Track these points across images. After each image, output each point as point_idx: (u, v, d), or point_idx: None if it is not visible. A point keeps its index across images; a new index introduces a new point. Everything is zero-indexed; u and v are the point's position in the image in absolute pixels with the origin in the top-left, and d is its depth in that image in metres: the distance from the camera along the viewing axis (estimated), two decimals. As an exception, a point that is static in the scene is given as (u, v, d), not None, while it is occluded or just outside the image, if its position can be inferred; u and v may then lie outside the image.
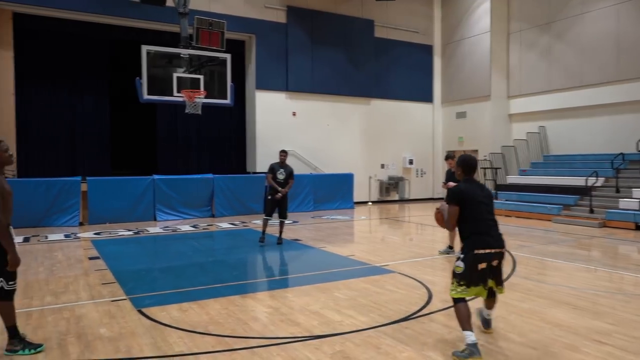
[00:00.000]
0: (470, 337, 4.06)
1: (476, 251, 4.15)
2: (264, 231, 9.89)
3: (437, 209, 4.63)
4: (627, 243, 10.44)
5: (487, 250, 4.16)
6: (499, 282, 4.38)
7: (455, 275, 4.23)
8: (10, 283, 4.31)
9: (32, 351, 4.29)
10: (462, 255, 4.22)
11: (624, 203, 12.73)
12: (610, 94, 15.59)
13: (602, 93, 15.84)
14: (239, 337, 4.65)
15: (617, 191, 13.55)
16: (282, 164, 9.81)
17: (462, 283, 4.17)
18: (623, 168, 14.14)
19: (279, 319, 5.16)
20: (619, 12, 15.28)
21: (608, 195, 13.66)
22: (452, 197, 4.33)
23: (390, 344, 4.44)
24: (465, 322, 4.12)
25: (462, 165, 4.48)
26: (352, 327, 4.91)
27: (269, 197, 9.76)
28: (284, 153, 9.92)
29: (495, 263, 4.24)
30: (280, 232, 10.04)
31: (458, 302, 4.21)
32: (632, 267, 8.00)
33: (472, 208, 4.24)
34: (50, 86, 16.06)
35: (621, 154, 14.45)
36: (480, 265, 4.16)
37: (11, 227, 4.34)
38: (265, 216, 9.87)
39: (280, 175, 9.68)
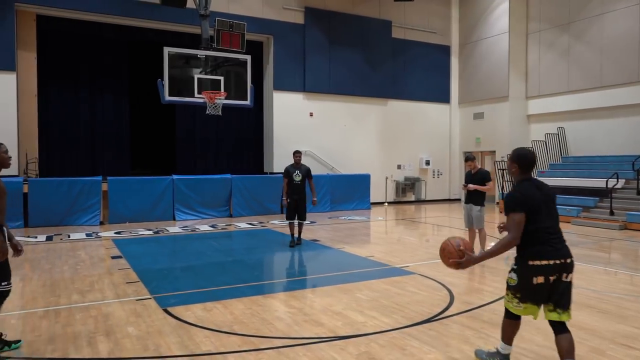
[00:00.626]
0: (507, 349, 3.88)
1: (530, 262, 3.56)
2: (292, 234, 9.86)
3: (453, 247, 3.81)
4: (649, 246, 10.33)
5: (544, 262, 3.52)
6: (562, 304, 3.57)
7: (509, 287, 3.73)
8: (4, 284, 4.23)
9: (13, 346, 4.36)
10: (515, 267, 3.69)
11: (645, 205, 12.59)
12: (631, 94, 15.41)
13: (622, 94, 15.67)
14: (264, 337, 4.71)
15: (638, 193, 13.38)
16: (296, 165, 9.63)
17: (517, 295, 3.66)
18: (644, 170, 13.96)
19: (302, 319, 5.22)
20: (641, 11, 15.10)
21: (629, 197, 13.51)
22: (514, 204, 3.62)
23: (415, 346, 4.47)
24: (507, 337, 3.87)
25: (519, 161, 3.80)
26: (376, 328, 4.95)
27: (288, 201, 9.62)
28: (298, 154, 9.74)
29: (554, 277, 3.55)
30: (299, 233, 10.01)
31: (510, 317, 3.81)
32: (655, 271, 7.93)
33: (529, 216, 3.59)
34: (71, 87, 16.36)
35: (642, 155, 14.29)
36: (537, 280, 3.54)
37: (5, 227, 4.27)
38: (287, 220, 9.82)
39: (297, 177, 9.51)
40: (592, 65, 16.52)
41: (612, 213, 13.08)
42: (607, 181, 13.55)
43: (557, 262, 3.54)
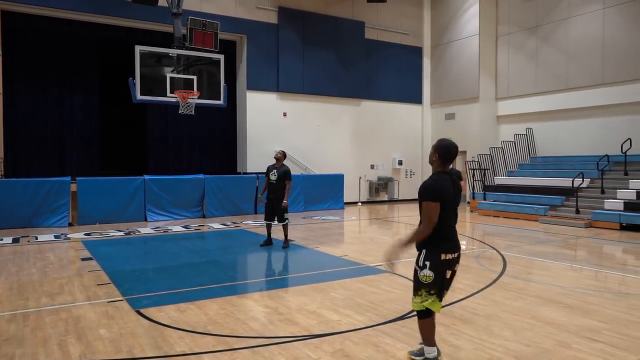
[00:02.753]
0: (434, 351, 3.90)
1: (443, 256, 3.75)
2: (268, 234, 9.81)
3: None
4: (612, 243, 10.68)
5: (450, 256, 3.78)
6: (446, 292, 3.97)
7: (423, 285, 3.77)
8: None
9: None
10: (427, 263, 3.76)
11: (609, 204, 12.99)
12: (596, 96, 15.89)
13: (588, 96, 16.14)
14: (239, 337, 4.71)
15: (603, 192, 13.81)
16: (275, 164, 9.52)
17: (432, 292, 3.76)
18: (608, 169, 14.42)
19: (277, 319, 5.23)
20: (605, 16, 15.58)
21: (593, 196, 13.93)
22: (430, 193, 3.72)
23: (388, 342, 4.53)
24: (433, 336, 3.92)
25: (440, 152, 3.83)
26: (350, 326, 5.00)
27: (264, 201, 9.53)
28: (279, 153, 9.60)
29: (455, 269, 3.89)
30: (285, 236, 9.72)
31: (426, 316, 3.85)
32: (617, 267, 8.22)
33: (443, 208, 3.73)
34: (39, 85, 15.94)
35: (606, 155, 14.72)
36: (448, 273, 3.80)
37: None
38: (265, 221, 9.72)
39: (273, 176, 9.38)
40: (559, 67, 16.98)
41: (577, 212, 13.47)
42: (573, 181, 13.94)
43: (457, 255, 3.84)
